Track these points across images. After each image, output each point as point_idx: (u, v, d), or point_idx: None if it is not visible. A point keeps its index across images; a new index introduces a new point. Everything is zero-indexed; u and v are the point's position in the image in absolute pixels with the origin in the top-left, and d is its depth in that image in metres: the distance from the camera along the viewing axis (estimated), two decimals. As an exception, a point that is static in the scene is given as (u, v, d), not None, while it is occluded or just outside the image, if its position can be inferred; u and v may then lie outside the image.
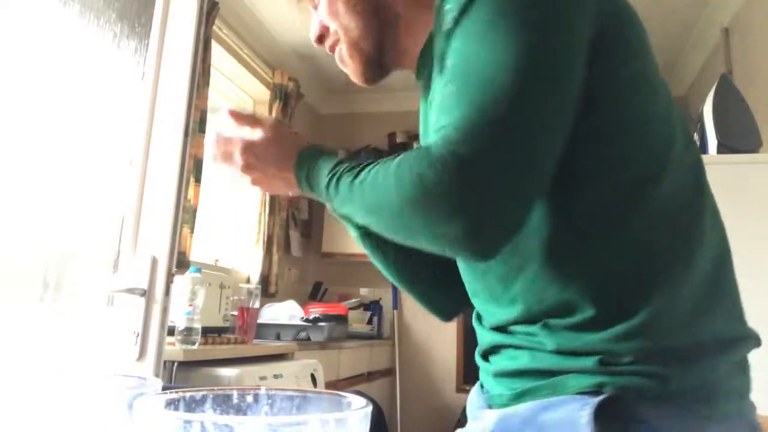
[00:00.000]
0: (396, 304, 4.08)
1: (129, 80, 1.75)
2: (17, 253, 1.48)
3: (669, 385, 0.64)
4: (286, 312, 2.98)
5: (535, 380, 0.71)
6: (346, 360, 3.11)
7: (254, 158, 0.84)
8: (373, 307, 3.99)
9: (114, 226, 1.67)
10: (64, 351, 1.51)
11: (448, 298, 0.95)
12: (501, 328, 0.77)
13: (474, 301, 0.85)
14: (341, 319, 3.23)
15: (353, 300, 3.93)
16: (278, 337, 2.83)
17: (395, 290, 4.06)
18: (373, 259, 0.95)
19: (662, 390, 0.64)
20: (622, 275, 0.68)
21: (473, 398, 0.89)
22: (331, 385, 2.75)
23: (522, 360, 0.73)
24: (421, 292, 0.96)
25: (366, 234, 0.91)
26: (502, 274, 0.74)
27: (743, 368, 0.70)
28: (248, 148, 0.84)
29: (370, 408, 0.30)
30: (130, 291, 1.57)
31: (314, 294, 4.00)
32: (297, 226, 3.95)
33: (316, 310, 3.10)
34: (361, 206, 0.71)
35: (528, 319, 0.72)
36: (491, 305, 0.79)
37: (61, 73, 1.61)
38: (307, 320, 2.95)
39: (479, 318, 0.85)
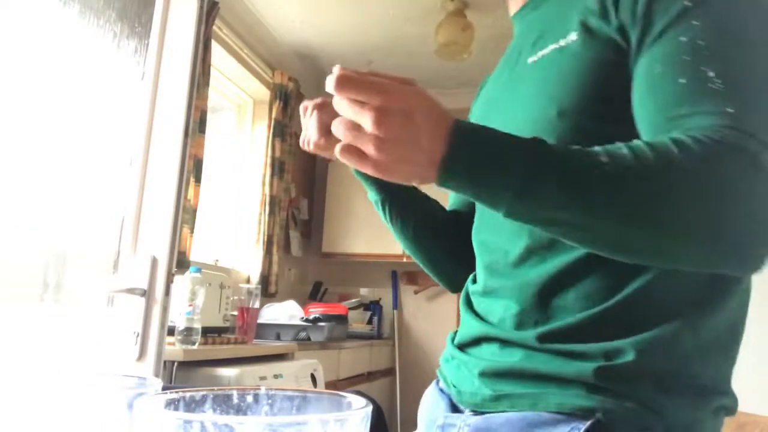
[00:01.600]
0: (396, 304, 4.08)
1: (129, 80, 1.75)
2: (17, 253, 1.48)
3: (662, 419, 0.62)
4: (286, 312, 2.98)
5: (520, 385, 0.68)
6: (346, 360, 3.11)
7: (392, 128, 0.55)
8: (373, 307, 3.98)
9: (114, 226, 1.67)
10: (64, 351, 1.51)
11: (459, 268, 0.94)
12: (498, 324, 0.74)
13: (482, 276, 0.80)
14: (341, 319, 3.23)
15: (353, 300, 3.93)
16: (278, 337, 2.83)
17: (395, 290, 4.06)
18: (391, 228, 0.94)
19: (653, 423, 0.62)
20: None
21: (427, 401, 0.85)
22: (331, 385, 2.75)
23: (514, 358, 0.70)
24: (435, 261, 0.96)
25: (387, 201, 0.91)
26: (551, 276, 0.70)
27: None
28: (384, 113, 0.55)
29: (370, 408, 0.30)
30: (130, 291, 1.57)
31: (314, 294, 4.00)
32: (297, 226, 3.95)
33: (316, 310, 3.10)
34: (620, 210, 0.55)
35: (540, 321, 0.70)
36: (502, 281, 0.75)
37: (61, 73, 1.61)
38: (307, 320, 2.95)
39: (469, 303, 0.82)
